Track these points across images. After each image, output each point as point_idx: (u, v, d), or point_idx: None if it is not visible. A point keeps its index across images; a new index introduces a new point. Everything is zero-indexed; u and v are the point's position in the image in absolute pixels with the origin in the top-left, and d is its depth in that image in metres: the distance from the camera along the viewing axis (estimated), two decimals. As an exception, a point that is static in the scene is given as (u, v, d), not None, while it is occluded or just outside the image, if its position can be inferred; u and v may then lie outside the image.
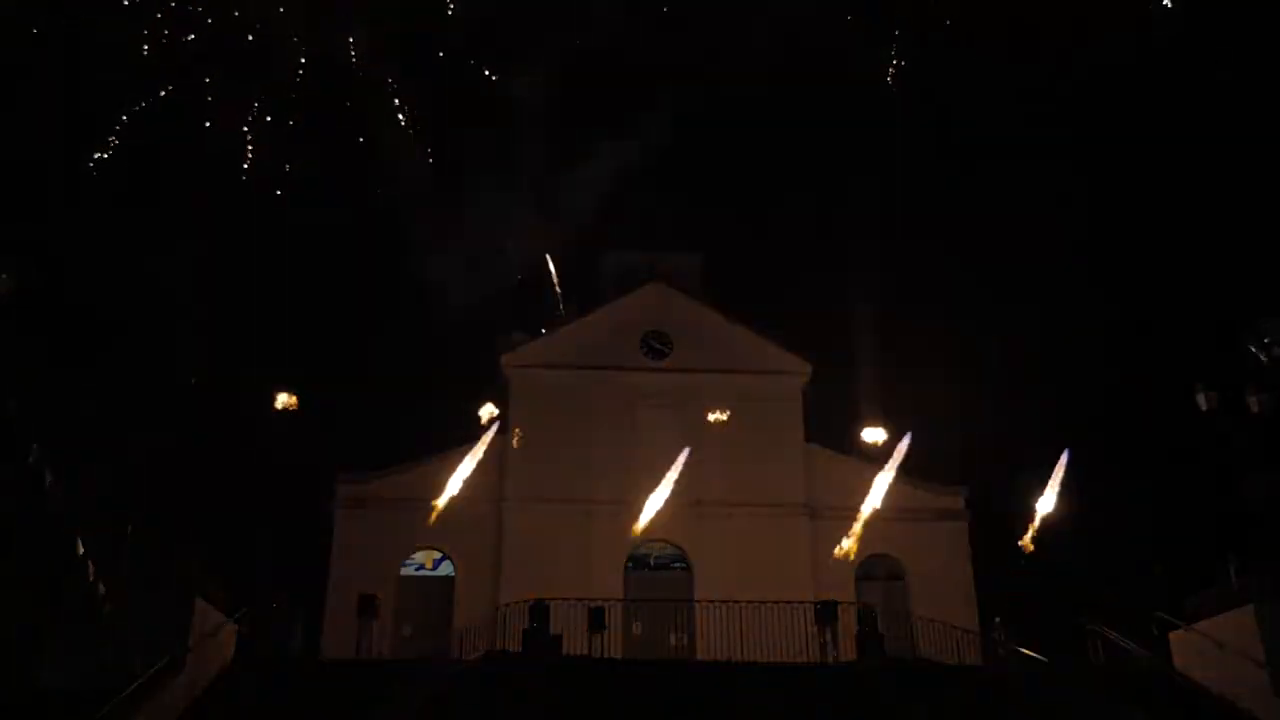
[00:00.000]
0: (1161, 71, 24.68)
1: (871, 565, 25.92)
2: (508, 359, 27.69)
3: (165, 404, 25.99)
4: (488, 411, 24.93)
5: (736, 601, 23.23)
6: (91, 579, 16.66)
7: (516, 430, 23.16)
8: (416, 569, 26.14)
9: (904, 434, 21.91)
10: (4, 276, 21.42)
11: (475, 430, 25.12)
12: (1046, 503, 19.86)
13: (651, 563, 26.10)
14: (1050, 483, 19.99)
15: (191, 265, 26.51)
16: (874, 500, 21.38)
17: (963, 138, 29.78)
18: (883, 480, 21.77)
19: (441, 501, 21.62)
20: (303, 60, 22.04)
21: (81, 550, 17.44)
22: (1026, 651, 20.52)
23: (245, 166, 23.46)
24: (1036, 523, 19.73)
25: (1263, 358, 18.12)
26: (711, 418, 23.54)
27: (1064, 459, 20.00)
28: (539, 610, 21.81)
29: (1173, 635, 18.43)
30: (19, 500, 18.36)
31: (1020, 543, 19.75)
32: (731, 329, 27.94)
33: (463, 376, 29.02)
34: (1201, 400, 19.38)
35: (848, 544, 21.04)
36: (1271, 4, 23.88)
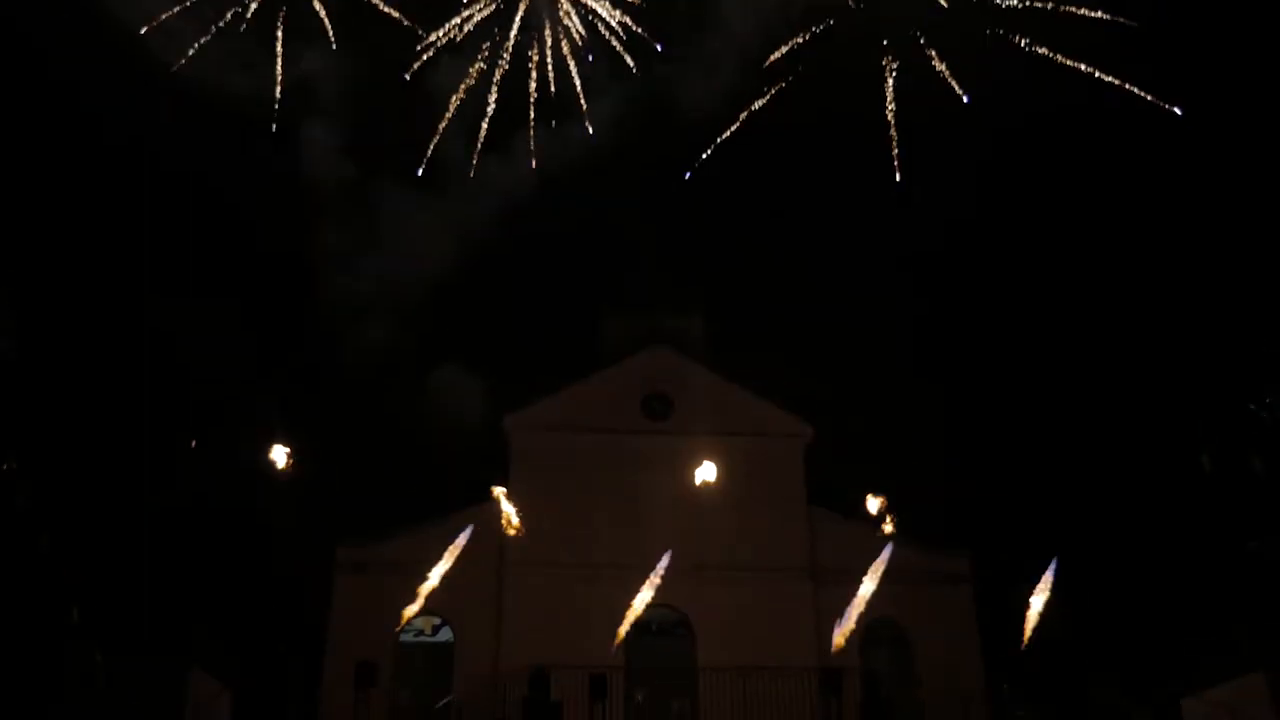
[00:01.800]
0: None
1: (876, 628, 25.63)
2: (509, 420, 27.65)
3: (163, 468, 25.91)
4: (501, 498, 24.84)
5: (740, 668, 22.98)
6: (89, 648, 16.50)
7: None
8: (416, 635, 25.85)
9: (908, 496, 21.86)
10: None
11: (475, 494, 25.12)
12: (1038, 601, 19.53)
13: (654, 628, 25.81)
14: (1042, 583, 19.65)
15: (191, 323, 26.58)
16: (877, 568, 21.19)
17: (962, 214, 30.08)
18: (886, 544, 21.64)
19: (439, 571, 21.46)
20: None
21: (78, 618, 17.33)
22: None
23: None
24: (1032, 618, 19.39)
25: (1263, 416, 18.16)
26: (699, 481, 23.39)
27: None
28: (539, 678, 21.58)
29: (1184, 702, 18.21)
30: (15, 566, 18.27)
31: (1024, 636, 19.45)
32: (732, 391, 27.91)
33: (464, 439, 29.04)
34: (1205, 462, 19.36)
35: (839, 634, 20.71)
36: None
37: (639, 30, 21.96)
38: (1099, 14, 19.26)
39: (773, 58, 20.16)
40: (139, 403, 25.91)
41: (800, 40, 19.35)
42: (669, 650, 25.66)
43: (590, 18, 21.22)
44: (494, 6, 20.67)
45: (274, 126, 22.50)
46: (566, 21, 21.32)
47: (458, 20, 20.60)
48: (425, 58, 21.43)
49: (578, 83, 22.21)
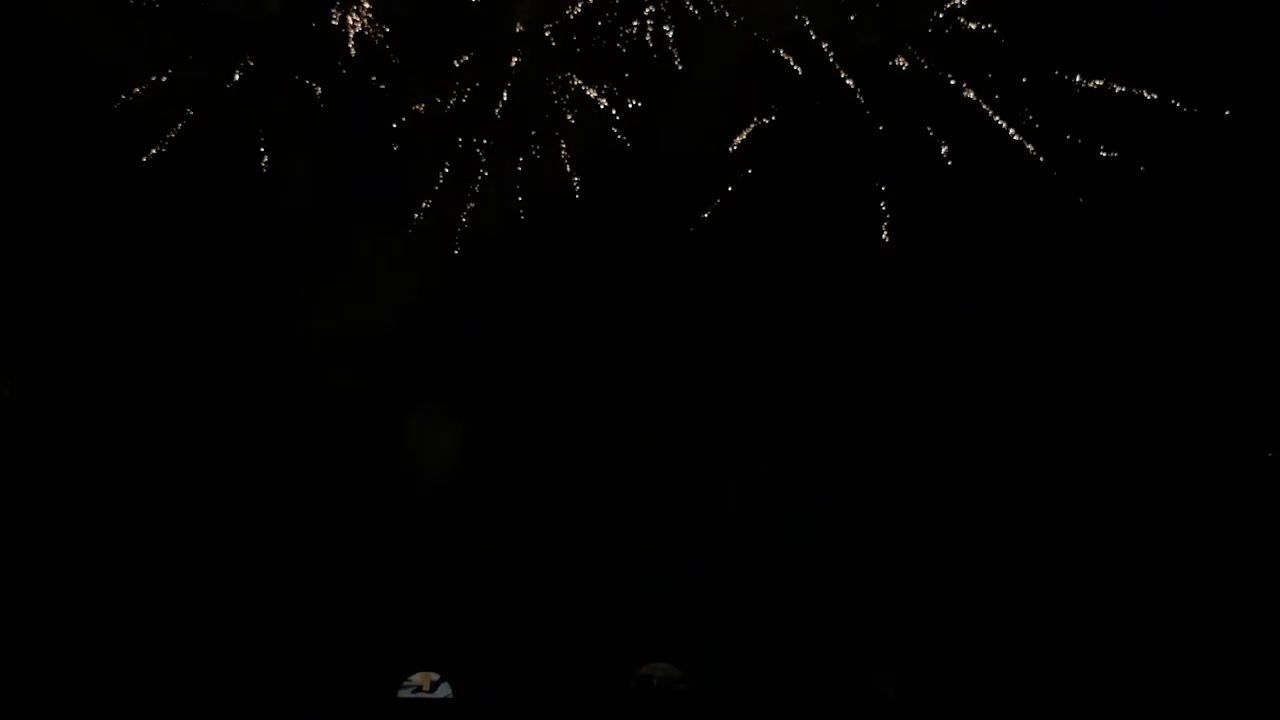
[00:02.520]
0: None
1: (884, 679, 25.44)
2: (498, 464, 27.45)
3: (152, 508, 25.61)
4: None
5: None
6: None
7: None
8: (414, 691, 25.46)
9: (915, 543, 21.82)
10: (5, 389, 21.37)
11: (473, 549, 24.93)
12: None
13: (655, 683, 25.51)
14: None
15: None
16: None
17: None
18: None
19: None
20: None
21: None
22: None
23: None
24: None
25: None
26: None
27: None
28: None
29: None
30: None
31: None
32: (735, 445, 27.69)
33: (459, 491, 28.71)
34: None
35: None
36: None
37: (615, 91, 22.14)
38: None
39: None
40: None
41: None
42: (669, 706, 25.42)
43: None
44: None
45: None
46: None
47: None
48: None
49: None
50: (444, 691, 25.94)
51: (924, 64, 18.99)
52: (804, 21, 19.23)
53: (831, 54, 19.32)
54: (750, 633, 24.81)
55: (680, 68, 20.90)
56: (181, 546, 23.40)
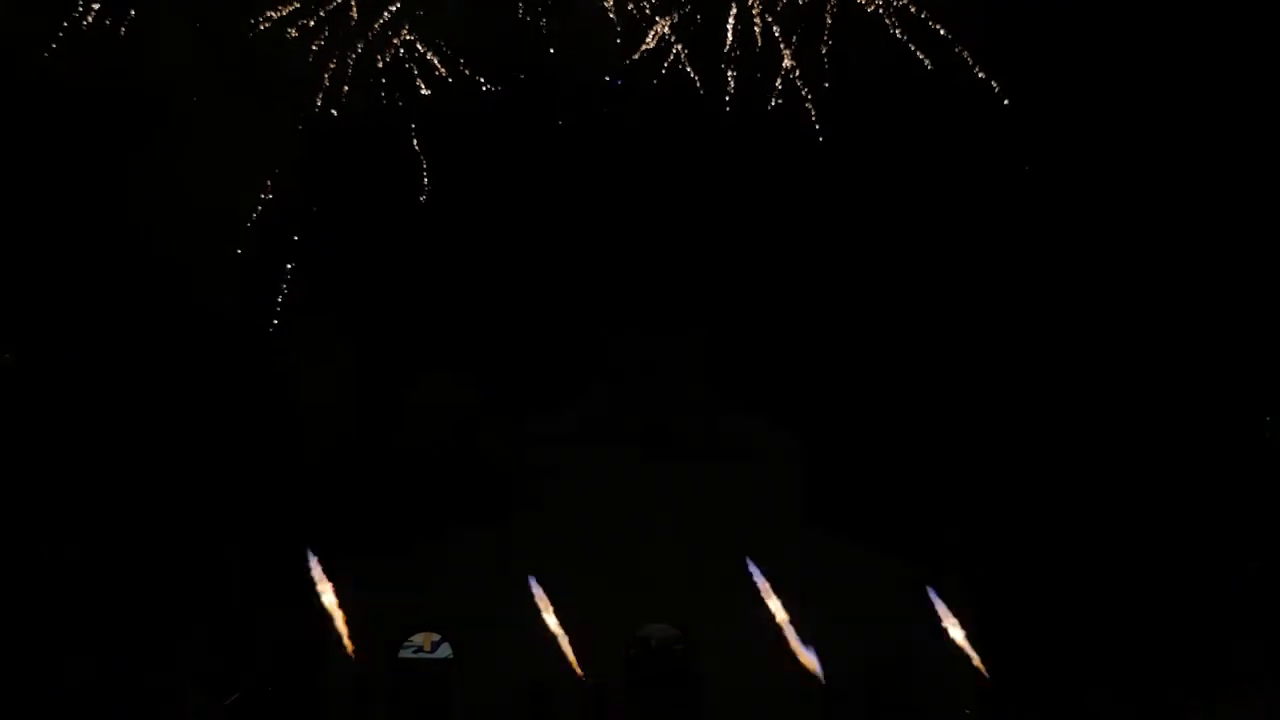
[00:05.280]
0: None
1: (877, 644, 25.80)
2: (512, 444, 27.63)
3: (163, 482, 25.80)
4: None
5: (738, 684, 23.22)
6: (87, 664, 16.61)
7: None
8: (414, 651, 25.85)
9: (906, 511, 22.25)
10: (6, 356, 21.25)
11: (474, 510, 25.34)
12: None
13: (653, 644, 25.94)
14: None
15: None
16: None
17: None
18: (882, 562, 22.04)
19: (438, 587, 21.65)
20: None
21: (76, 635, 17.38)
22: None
23: None
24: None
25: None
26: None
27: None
28: (538, 694, 21.65)
29: None
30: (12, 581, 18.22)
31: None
32: (731, 414, 28.00)
33: (466, 460, 28.95)
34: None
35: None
36: None
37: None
38: None
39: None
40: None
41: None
42: (669, 665, 25.81)
43: None
44: None
45: None
46: None
47: None
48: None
49: None
50: (444, 651, 26.38)
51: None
52: None
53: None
54: (743, 595, 25.18)
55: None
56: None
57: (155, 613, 21.13)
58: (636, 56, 17.43)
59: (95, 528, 22.85)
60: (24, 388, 22.18)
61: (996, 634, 25.00)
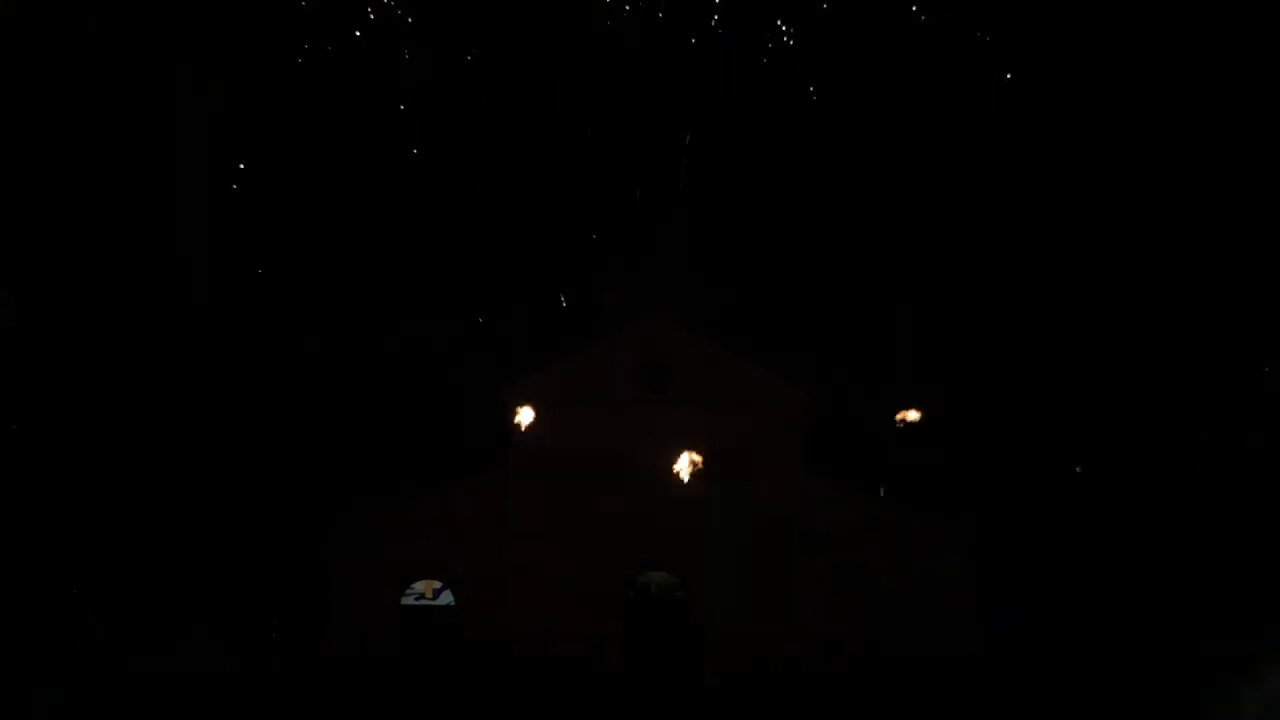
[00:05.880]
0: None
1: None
2: (510, 390, 27.62)
3: (164, 432, 25.94)
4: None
5: (736, 630, 23.44)
6: (89, 614, 16.79)
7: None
8: (416, 598, 26.07)
9: (904, 462, 22.13)
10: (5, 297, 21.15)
11: (475, 460, 25.38)
12: None
13: (653, 590, 26.03)
14: None
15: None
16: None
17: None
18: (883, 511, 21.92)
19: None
20: None
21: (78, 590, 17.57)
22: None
23: None
24: None
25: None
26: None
27: None
28: (540, 641, 21.82)
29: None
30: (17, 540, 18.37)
31: None
32: (732, 362, 27.83)
33: (463, 406, 28.98)
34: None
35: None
36: None
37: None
38: None
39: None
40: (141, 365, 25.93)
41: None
42: (668, 613, 25.94)
43: None
44: None
45: None
46: None
47: None
48: None
49: None
50: (446, 598, 26.60)
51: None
52: None
53: None
54: (745, 543, 25.21)
55: None
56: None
57: (151, 602, 21.18)
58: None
59: (86, 494, 22.93)
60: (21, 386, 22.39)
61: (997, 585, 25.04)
